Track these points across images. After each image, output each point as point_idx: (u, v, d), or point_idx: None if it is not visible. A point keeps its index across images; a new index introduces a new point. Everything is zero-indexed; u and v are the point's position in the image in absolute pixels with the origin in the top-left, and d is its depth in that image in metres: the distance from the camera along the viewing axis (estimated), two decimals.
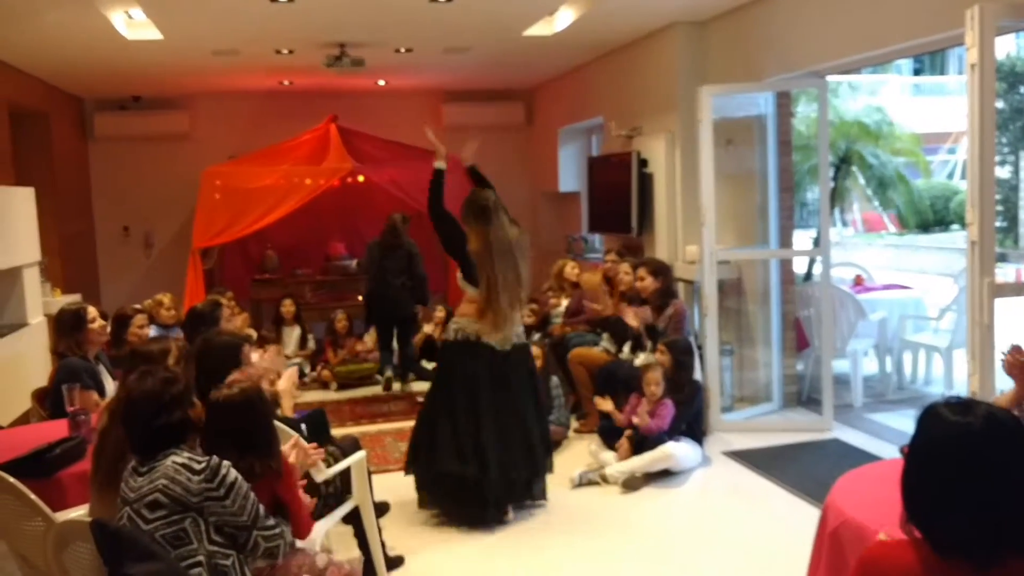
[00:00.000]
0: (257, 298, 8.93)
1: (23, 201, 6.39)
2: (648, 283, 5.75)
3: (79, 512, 2.92)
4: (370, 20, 6.29)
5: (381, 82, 9.38)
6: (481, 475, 4.36)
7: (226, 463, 2.54)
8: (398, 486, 4.85)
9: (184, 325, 4.75)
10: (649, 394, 5.13)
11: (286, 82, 9.08)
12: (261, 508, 2.61)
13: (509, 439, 4.45)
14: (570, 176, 9.53)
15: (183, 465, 2.50)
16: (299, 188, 8.12)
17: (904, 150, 11.49)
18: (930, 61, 24.16)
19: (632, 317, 5.68)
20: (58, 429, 3.74)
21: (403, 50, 7.50)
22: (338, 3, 5.75)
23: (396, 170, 8.39)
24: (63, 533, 2.67)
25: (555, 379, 5.83)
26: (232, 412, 2.79)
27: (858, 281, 7.52)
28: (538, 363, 5.52)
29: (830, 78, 6.16)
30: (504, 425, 4.44)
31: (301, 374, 7.78)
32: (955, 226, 19.82)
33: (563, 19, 6.54)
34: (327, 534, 3.54)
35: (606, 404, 5.29)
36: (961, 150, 22.81)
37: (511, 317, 4.44)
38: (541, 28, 6.76)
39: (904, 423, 5.98)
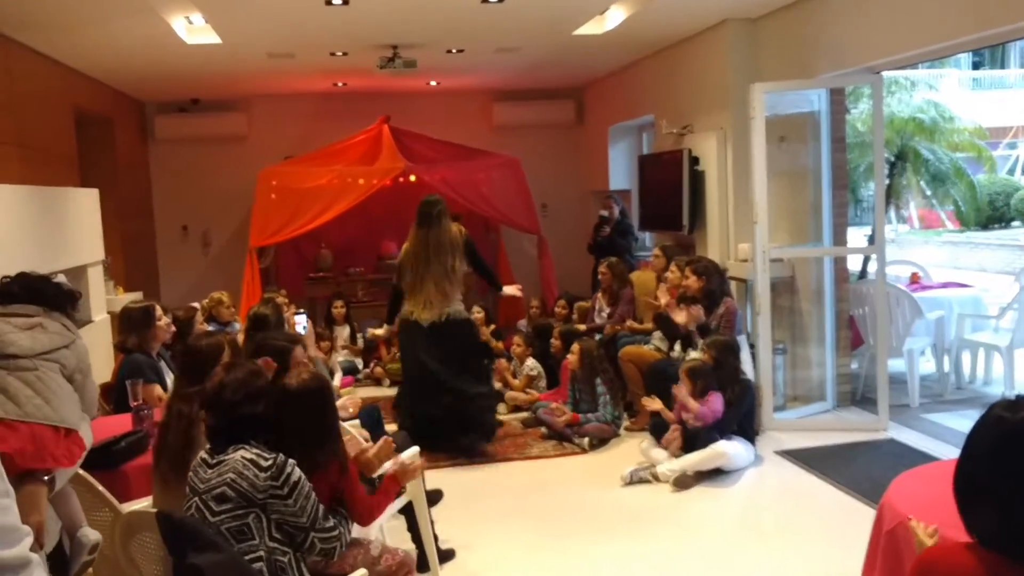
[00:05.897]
0: (311, 296, 9.08)
1: (88, 202, 6.57)
2: (692, 282, 5.75)
3: (143, 504, 2.98)
4: (422, 22, 6.35)
5: (433, 83, 9.46)
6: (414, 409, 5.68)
7: (291, 461, 2.55)
8: (450, 480, 4.92)
9: (246, 328, 4.84)
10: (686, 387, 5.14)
11: (340, 84, 9.21)
12: (321, 509, 2.62)
13: (431, 390, 5.59)
14: (621, 174, 9.50)
15: (251, 461, 2.52)
16: (352, 188, 8.22)
17: (964, 144, 11.18)
18: (990, 54, 23.51)
19: (680, 315, 5.67)
20: (122, 423, 3.82)
21: (454, 51, 7.56)
22: (391, 6, 5.82)
23: (448, 170, 8.47)
24: (130, 523, 2.74)
25: (599, 379, 5.85)
26: (305, 399, 2.79)
27: (914, 279, 7.37)
28: (574, 359, 5.84)
29: (885, 74, 6.05)
30: (435, 380, 5.59)
31: (354, 371, 7.91)
32: (1016, 223, 19.28)
33: (613, 18, 6.53)
34: (381, 528, 3.61)
35: (654, 403, 5.26)
36: (1023, 145, 22.20)
37: (437, 299, 5.62)
38: (591, 27, 6.76)
39: (963, 424, 5.86)
